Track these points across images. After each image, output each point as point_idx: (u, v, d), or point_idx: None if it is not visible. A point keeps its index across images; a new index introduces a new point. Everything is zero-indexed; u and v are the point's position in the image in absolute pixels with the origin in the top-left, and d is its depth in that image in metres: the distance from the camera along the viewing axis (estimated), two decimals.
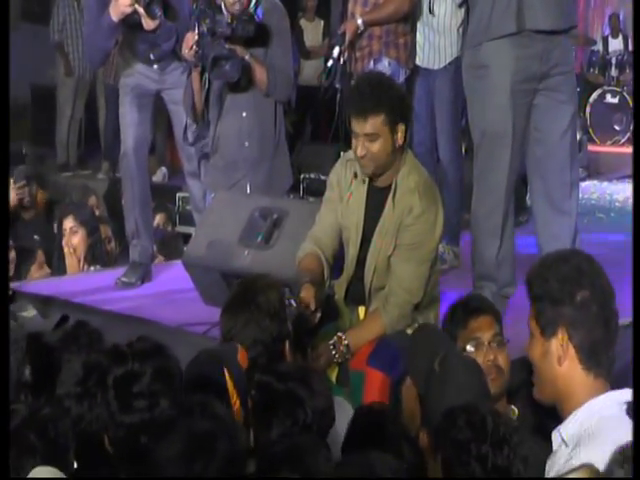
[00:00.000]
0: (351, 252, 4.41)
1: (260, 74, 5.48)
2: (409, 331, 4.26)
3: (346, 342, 4.18)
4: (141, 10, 5.57)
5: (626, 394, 2.65)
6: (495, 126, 4.93)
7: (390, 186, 4.29)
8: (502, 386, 3.67)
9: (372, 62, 6.09)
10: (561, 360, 2.68)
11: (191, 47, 5.34)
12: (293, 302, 4.08)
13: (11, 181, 7.78)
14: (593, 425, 2.59)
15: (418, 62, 6.34)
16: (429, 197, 4.27)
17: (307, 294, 4.10)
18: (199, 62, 5.35)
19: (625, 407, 2.61)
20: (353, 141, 4.26)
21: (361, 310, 4.40)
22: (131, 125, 5.97)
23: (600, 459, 2.49)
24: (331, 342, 4.18)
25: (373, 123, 4.16)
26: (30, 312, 4.72)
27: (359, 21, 6.05)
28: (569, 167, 5.04)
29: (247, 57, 5.44)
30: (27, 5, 14.05)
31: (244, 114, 5.57)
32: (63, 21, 11.51)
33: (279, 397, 2.92)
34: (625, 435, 2.48)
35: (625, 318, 4.98)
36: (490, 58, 4.91)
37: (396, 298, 4.25)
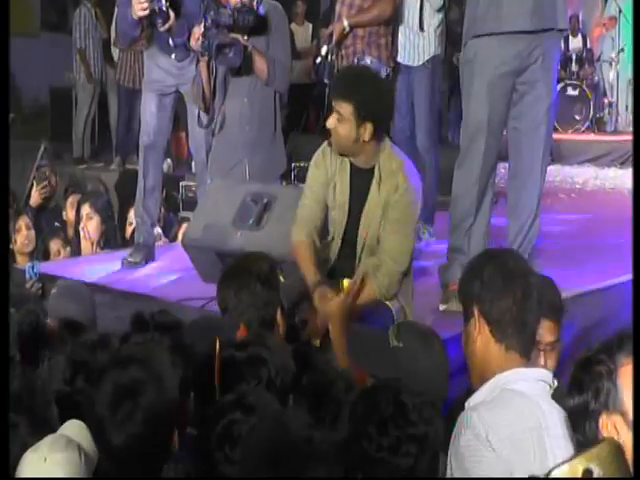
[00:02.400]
0: (337, 231, 4.30)
1: (260, 64, 5.48)
2: (391, 304, 4.18)
3: None
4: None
5: (535, 372, 2.58)
6: (473, 116, 4.89)
7: (372, 169, 4.18)
8: None
9: (356, 60, 6.03)
10: (477, 337, 2.64)
11: (198, 38, 5.38)
12: (282, 278, 3.99)
13: (34, 184, 7.71)
14: (495, 396, 2.51)
15: (399, 59, 6.32)
16: (411, 176, 4.19)
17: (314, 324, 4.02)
18: (205, 51, 5.37)
19: (548, 389, 2.54)
20: None
21: (345, 282, 4.22)
22: (151, 120, 5.92)
23: (479, 422, 2.41)
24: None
25: (342, 108, 4.05)
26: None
27: (345, 23, 5.99)
28: (540, 157, 4.97)
29: (249, 48, 5.45)
30: (46, 16, 13.99)
31: (245, 100, 5.55)
32: (85, 30, 11.35)
33: (242, 364, 2.86)
34: (524, 408, 2.43)
35: (580, 288, 4.96)
36: (473, 54, 4.87)
37: (386, 267, 4.14)
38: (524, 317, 2.64)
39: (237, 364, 2.86)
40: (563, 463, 1.98)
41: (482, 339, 2.63)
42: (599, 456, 1.98)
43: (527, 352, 2.65)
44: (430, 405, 2.42)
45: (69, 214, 7.51)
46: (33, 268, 5.03)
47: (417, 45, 6.24)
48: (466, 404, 2.58)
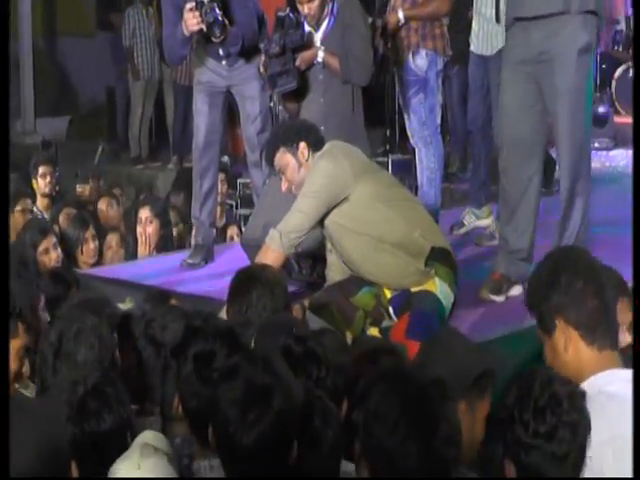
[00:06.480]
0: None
1: (334, 64, 5.47)
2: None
3: None
4: (205, 29, 5.53)
5: (628, 374, 2.53)
6: (500, 103, 5.04)
7: None
8: None
9: (411, 53, 5.93)
10: (567, 346, 2.58)
11: (265, 68, 5.51)
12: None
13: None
14: (592, 399, 2.46)
15: (473, 49, 6.32)
16: (323, 156, 4.46)
17: None
18: (269, 80, 5.50)
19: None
20: None
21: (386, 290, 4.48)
22: (203, 120, 5.94)
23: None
24: None
25: (280, 160, 4.51)
26: (127, 304, 4.57)
27: (400, 15, 5.88)
28: (572, 152, 4.84)
29: (321, 53, 5.47)
30: (102, 16, 14.10)
31: (321, 100, 5.52)
32: (133, 28, 11.46)
33: (297, 358, 2.91)
34: (621, 413, 2.42)
35: None
36: (506, 42, 5.13)
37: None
38: (609, 311, 2.61)
39: (292, 356, 2.90)
40: None
41: (573, 347, 2.59)
42: None
43: (616, 344, 2.63)
44: (580, 394, 2.46)
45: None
46: None
47: (492, 34, 6.12)
48: None
